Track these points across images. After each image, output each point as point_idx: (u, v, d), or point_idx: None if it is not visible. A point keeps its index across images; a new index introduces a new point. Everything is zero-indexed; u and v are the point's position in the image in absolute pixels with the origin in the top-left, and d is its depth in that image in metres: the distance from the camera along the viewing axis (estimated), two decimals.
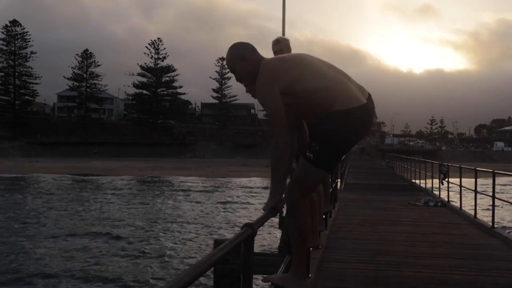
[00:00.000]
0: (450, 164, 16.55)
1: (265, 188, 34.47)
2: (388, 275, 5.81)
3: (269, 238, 16.50)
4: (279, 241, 9.60)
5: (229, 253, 1.81)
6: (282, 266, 3.34)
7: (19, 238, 17.36)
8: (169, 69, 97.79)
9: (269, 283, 3.23)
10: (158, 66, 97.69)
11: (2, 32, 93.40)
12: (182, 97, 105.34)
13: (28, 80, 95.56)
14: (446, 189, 14.36)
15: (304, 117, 3.57)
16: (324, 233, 7.30)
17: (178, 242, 16.79)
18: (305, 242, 3.37)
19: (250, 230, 2.13)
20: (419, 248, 7.40)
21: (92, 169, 54.49)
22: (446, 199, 13.85)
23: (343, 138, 3.22)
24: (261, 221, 2.51)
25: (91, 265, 13.72)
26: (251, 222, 2.21)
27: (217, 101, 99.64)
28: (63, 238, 17.36)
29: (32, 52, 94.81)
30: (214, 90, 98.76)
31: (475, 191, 10.66)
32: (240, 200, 29.31)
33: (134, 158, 77.14)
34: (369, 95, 3.37)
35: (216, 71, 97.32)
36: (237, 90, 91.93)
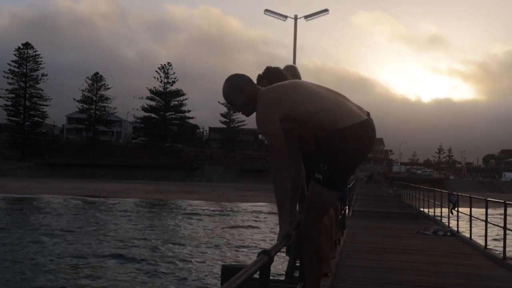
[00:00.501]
0: (459, 194, 16.44)
1: (272, 213, 34.31)
2: None
3: (274, 263, 16.36)
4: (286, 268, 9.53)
5: (245, 281, 1.78)
6: None
7: (29, 255, 17.35)
8: (178, 93, 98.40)
9: None
10: (167, 90, 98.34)
11: (15, 54, 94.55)
12: (191, 121, 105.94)
13: (38, 102, 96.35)
14: (455, 218, 14.25)
15: (305, 142, 3.58)
16: (333, 260, 7.23)
17: (185, 267, 16.67)
18: (319, 268, 3.35)
19: (267, 257, 2.10)
20: (429, 278, 7.31)
21: (99, 191, 54.52)
22: (456, 229, 13.73)
23: (350, 155, 3.22)
24: (277, 248, 2.48)
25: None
26: (267, 249, 2.19)
27: (225, 126, 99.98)
28: (74, 257, 17.31)
29: (43, 74, 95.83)
30: (222, 115, 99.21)
31: (486, 221, 10.56)
32: (247, 224, 29.17)
33: (141, 180, 77.18)
34: (368, 113, 3.38)
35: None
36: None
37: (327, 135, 3.22)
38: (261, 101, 3.25)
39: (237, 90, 3.34)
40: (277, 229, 3.24)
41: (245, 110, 3.43)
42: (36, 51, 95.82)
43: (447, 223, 15.58)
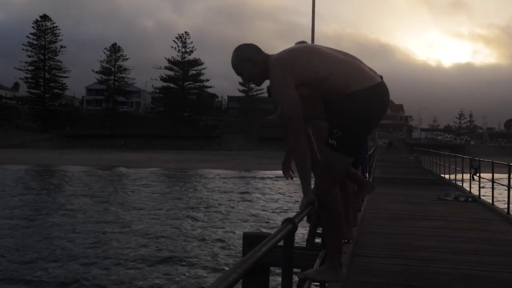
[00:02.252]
0: (481, 159, 16.30)
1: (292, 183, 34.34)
2: (420, 270, 5.74)
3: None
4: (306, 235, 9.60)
5: (271, 249, 1.79)
6: (317, 260, 3.32)
7: (61, 220, 17.74)
8: (196, 62, 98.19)
9: (307, 279, 3.22)
10: (185, 60, 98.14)
11: (33, 27, 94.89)
12: (209, 90, 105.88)
13: (57, 74, 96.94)
14: (477, 184, 14.15)
15: (319, 106, 3.52)
16: (355, 227, 7.25)
17: (209, 237, 16.87)
18: (339, 233, 3.34)
19: (291, 225, 2.11)
20: (450, 244, 7.30)
21: (120, 161, 55.08)
22: (477, 194, 13.65)
23: (364, 119, 3.18)
24: (301, 216, 2.49)
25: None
26: (291, 217, 2.20)
27: (243, 95, 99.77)
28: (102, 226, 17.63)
29: (61, 46, 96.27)
30: (240, 84, 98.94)
31: (509, 186, 10.47)
32: (268, 192, 29.34)
33: (161, 150, 77.71)
34: (381, 77, 3.32)
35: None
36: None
37: (340, 99, 3.17)
38: (274, 69, 3.18)
39: (246, 60, 3.30)
40: (296, 197, 3.26)
41: (256, 80, 3.39)
42: (54, 23, 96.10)
43: (468, 189, 15.50)
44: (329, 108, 3.34)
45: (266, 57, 3.30)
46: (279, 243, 2.04)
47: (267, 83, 3.41)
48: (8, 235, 16.31)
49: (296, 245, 11.48)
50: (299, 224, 2.40)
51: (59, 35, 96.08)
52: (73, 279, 11.67)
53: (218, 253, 14.45)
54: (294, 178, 3.83)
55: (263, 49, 3.38)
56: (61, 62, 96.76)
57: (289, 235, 2.13)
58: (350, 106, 3.14)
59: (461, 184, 16.85)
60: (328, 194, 3.20)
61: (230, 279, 1.34)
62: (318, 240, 9.91)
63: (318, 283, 3.77)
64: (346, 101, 3.15)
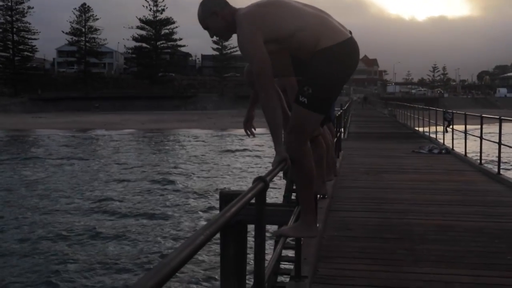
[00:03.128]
0: (454, 111, 16.46)
1: (267, 138, 34.45)
2: (395, 223, 5.83)
3: (272, 187, 16.62)
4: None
5: (244, 206, 1.77)
6: (292, 217, 3.31)
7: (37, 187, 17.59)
8: (168, 21, 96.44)
9: (282, 236, 3.22)
10: (157, 19, 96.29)
11: None
12: (182, 49, 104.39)
13: (26, 36, 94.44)
14: (451, 136, 14.33)
15: (287, 62, 3.44)
16: (330, 182, 7.31)
17: (185, 194, 16.93)
18: (312, 189, 3.33)
19: (262, 183, 2.08)
20: (425, 196, 7.42)
21: (94, 123, 54.51)
22: (451, 146, 13.83)
23: (335, 75, 3.11)
24: (272, 174, 2.47)
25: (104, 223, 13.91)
26: (262, 175, 2.17)
27: (217, 53, 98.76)
28: (81, 196, 17.53)
29: (29, 7, 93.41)
30: (214, 42, 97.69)
31: (481, 138, 10.62)
32: (245, 149, 29.42)
33: (135, 111, 77.03)
34: (351, 32, 3.27)
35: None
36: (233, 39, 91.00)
37: (310, 55, 3.11)
38: (242, 24, 3.07)
39: (212, 13, 3.18)
40: (272, 153, 3.23)
41: (223, 34, 3.28)
42: None
43: (442, 141, 15.69)
44: (298, 65, 3.27)
45: (233, 11, 3.18)
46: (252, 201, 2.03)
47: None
48: None
49: (272, 201, 11.52)
50: (278, 180, 2.37)
51: None
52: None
53: (198, 210, 14.57)
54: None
55: (236, 4, 3.28)
56: (29, 23, 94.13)
57: (260, 194, 2.11)
58: (321, 63, 3.07)
59: (435, 137, 17.05)
60: (299, 151, 3.17)
61: (199, 241, 1.31)
62: (294, 196, 9.99)
63: (292, 249, 3.80)
64: (316, 57, 3.08)
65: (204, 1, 3.22)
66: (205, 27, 3.24)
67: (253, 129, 4.10)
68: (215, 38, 3.32)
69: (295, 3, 3.21)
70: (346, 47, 3.11)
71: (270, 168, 2.85)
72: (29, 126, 52.05)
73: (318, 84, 3.09)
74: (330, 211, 6.24)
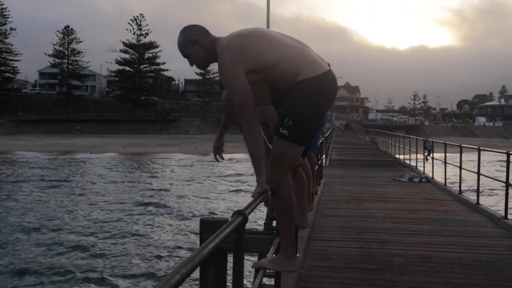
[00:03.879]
0: (434, 140, 16.62)
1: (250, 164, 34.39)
2: (375, 253, 5.82)
3: (253, 214, 16.51)
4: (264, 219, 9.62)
5: (222, 241, 1.76)
6: (272, 247, 3.29)
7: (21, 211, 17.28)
8: (152, 45, 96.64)
9: (261, 269, 3.18)
10: (141, 43, 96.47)
11: None
12: (166, 73, 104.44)
13: (8, 57, 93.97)
14: (431, 164, 14.43)
15: (266, 91, 3.46)
16: (310, 211, 7.29)
17: (162, 224, 16.77)
18: (292, 221, 3.32)
19: (241, 217, 2.07)
20: (405, 225, 7.44)
21: (75, 146, 54.04)
22: (431, 175, 13.93)
23: (314, 107, 3.13)
24: (252, 207, 2.45)
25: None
26: (241, 209, 2.15)
27: (200, 77, 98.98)
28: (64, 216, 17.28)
29: (12, 29, 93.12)
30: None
31: (460, 167, 10.72)
32: (226, 175, 29.32)
33: (117, 135, 76.63)
34: (329, 64, 3.31)
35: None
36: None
37: (290, 87, 3.12)
38: (224, 56, 3.08)
39: (192, 42, 3.19)
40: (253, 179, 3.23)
41: (202, 63, 3.27)
42: (2, 4, 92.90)
43: (422, 170, 15.80)
44: (277, 96, 3.30)
45: (214, 40, 3.19)
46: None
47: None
48: None
49: (253, 229, 11.47)
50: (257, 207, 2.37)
51: (8, 17, 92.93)
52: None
53: (179, 238, 14.42)
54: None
55: (220, 32, 3.30)
56: (11, 45, 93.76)
57: (239, 228, 2.09)
58: (300, 94, 3.09)
59: (415, 165, 17.17)
60: (280, 183, 3.17)
61: (174, 280, 1.29)
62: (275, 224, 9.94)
63: (272, 277, 3.78)
64: (295, 88, 3.10)
65: (185, 29, 3.23)
66: (185, 55, 3.25)
67: (222, 154, 4.15)
68: (194, 66, 3.32)
69: (276, 34, 3.24)
70: (325, 80, 3.14)
71: (250, 196, 2.85)
72: (9, 148, 51.43)
73: (298, 115, 3.10)
74: (310, 240, 6.21)
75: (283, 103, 3.18)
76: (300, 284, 4.58)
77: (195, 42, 3.18)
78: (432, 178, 13.58)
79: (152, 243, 13.85)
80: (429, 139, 19.64)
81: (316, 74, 3.10)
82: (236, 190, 22.99)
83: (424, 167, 15.87)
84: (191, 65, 3.30)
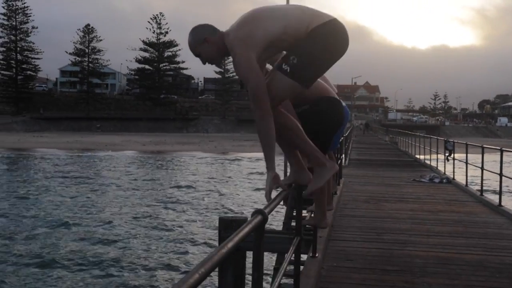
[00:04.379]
0: (456, 141, 16.42)
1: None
2: (395, 254, 5.75)
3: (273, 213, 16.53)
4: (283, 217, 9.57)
5: (241, 241, 1.73)
6: (291, 248, 3.25)
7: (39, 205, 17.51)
8: (171, 44, 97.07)
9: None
10: (161, 41, 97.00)
11: (3, 7, 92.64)
12: (185, 72, 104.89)
13: (29, 55, 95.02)
14: (452, 165, 14.27)
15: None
16: (330, 211, 7.23)
17: (186, 219, 16.87)
18: (298, 134, 3.37)
19: (261, 216, 2.04)
20: (425, 226, 7.34)
21: (96, 143, 54.49)
22: (452, 176, 13.76)
23: (323, 50, 3.16)
24: (271, 206, 2.42)
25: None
26: (261, 208, 2.12)
27: (220, 76, 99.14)
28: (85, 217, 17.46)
29: (33, 27, 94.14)
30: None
31: (482, 168, 10.56)
32: (243, 175, 29.32)
33: (137, 133, 77.12)
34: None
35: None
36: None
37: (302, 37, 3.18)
38: (234, 49, 3.14)
39: (202, 41, 3.25)
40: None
41: (214, 60, 3.33)
42: (24, 3, 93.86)
43: (443, 170, 15.63)
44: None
45: (222, 35, 3.25)
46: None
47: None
48: None
49: (272, 227, 11.42)
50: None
51: (30, 15, 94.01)
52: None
53: (199, 236, 14.48)
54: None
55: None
56: (33, 43, 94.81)
57: (259, 227, 2.06)
58: (311, 40, 3.13)
59: (436, 166, 16.99)
60: (274, 115, 3.18)
61: (192, 279, 1.27)
62: (294, 224, 9.89)
63: (292, 278, 3.76)
64: (307, 37, 3.15)
65: (193, 30, 3.28)
66: (197, 54, 3.31)
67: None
68: (206, 64, 3.35)
69: (271, 6, 3.32)
70: (334, 25, 3.20)
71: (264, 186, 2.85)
72: (31, 145, 52.01)
73: (304, 55, 3.14)
74: (329, 240, 6.16)
75: (294, 47, 3.21)
76: (319, 284, 4.54)
77: (205, 41, 3.24)
78: (453, 179, 13.42)
79: (175, 237, 14.09)
80: (450, 140, 19.42)
81: (324, 21, 3.17)
82: (258, 189, 22.97)
83: (445, 167, 15.70)
84: (204, 63, 3.37)
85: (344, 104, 5.26)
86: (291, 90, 3.21)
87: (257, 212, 2.07)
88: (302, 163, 3.55)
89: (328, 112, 4.72)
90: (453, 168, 13.74)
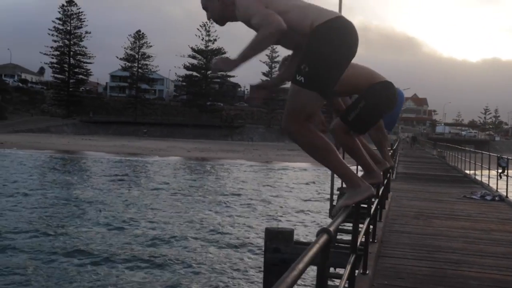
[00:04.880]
0: (510, 157, 15.95)
1: (314, 171, 34.19)
2: (448, 274, 5.58)
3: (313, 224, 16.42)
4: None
5: (309, 264, 1.67)
6: (347, 266, 3.17)
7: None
8: (219, 51, 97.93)
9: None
10: (209, 49, 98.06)
11: (59, 12, 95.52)
12: (232, 79, 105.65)
13: (82, 60, 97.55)
14: (504, 182, 13.86)
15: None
16: (379, 225, 7.10)
17: (232, 225, 17.05)
18: (333, 153, 3.12)
19: (327, 236, 1.98)
20: (478, 246, 7.11)
21: (142, 148, 55.33)
22: (505, 194, 13.35)
23: (332, 51, 2.99)
24: (336, 224, 2.36)
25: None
26: (326, 227, 2.06)
27: None
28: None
29: (87, 32, 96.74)
30: (263, 74, 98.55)
31: None
32: (287, 184, 29.24)
33: (183, 139, 77.96)
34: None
35: (266, 55, 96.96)
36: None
37: (306, 37, 3.02)
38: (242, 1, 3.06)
39: None
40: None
41: (219, 18, 3.28)
42: (79, 8, 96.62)
43: (495, 187, 15.18)
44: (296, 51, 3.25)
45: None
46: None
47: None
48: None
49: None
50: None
51: (84, 21, 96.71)
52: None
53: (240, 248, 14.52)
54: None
55: None
56: (86, 47, 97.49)
57: (325, 248, 2.00)
58: (316, 40, 2.98)
59: (487, 182, 16.52)
60: (299, 135, 3.04)
61: None
62: (340, 237, 9.78)
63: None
64: (311, 37, 3.00)
65: None
66: (204, 7, 3.26)
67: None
68: (211, 20, 3.33)
69: None
70: (338, 23, 3.04)
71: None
72: (80, 148, 53.20)
73: (315, 60, 2.97)
74: (379, 256, 6.03)
75: (301, 52, 3.08)
76: None
77: None
78: (506, 196, 13.01)
79: (222, 241, 14.33)
80: (504, 156, 18.87)
81: (328, 19, 3.02)
82: (308, 200, 22.91)
83: (497, 184, 15.24)
84: (208, 18, 3.33)
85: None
86: (312, 100, 3.00)
87: (323, 231, 2.01)
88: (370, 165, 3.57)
89: (385, 99, 4.59)
90: (507, 185, 13.33)
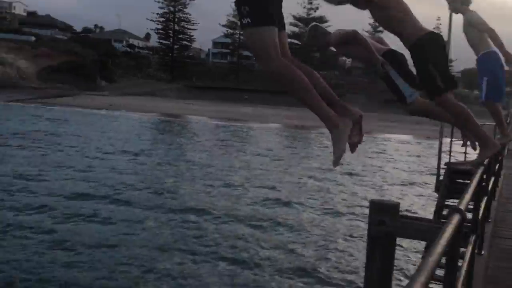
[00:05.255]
0: None
1: (418, 145, 33.22)
2: None
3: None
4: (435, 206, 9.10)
5: (445, 248, 1.54)
6: (469, 246, 2.98)
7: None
8: (322, 19, 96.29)
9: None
10: (310, 17, 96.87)
11: None
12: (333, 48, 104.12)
13: (186, 26, 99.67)
14: None
15: None
16: (493, 205, 6.72)
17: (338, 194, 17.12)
18: (310, 94, 3.22)
19: (459, 216, 1.82)
20: None
21: (242, 114, 56.08)
22: None
23: None
24: (465, 200, 2.18)
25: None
26: (459, 207, 1.90)
27: None
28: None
29: None
30: None
31: None
32: (391, 155, 28.64)
33: (283, 107, 78.14)
34: None
35: (370, 24, 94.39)
36: (392, 44, 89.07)
37: None
38: None
39: None
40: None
41: None
42: None
43: None
44: None
45: None
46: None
47: None
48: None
49: (419, 215, 10.89)
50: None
51: None
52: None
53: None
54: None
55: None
56: (190, 14, 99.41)
57: (459, 230, 1.84)
58: None
59: None
60: (278, 68, 2.91)
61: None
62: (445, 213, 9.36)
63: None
64: None
65: None
66: None
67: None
68: None
69: None
70: None
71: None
72: (183, 112, 54.77)
73: None
74: (494, 237, 5.70)
75: None
76: (487, 286, 4.19)
77: None
78: None
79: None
80: None
81: None
82: (412, 172, 22.35)
83: None
84: None
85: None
86: (266, 35, 2.84)
87: (454, 210, 1.86)
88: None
89: (436, 49, 4.28)
90: None
